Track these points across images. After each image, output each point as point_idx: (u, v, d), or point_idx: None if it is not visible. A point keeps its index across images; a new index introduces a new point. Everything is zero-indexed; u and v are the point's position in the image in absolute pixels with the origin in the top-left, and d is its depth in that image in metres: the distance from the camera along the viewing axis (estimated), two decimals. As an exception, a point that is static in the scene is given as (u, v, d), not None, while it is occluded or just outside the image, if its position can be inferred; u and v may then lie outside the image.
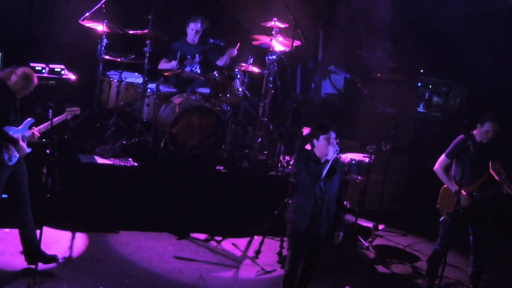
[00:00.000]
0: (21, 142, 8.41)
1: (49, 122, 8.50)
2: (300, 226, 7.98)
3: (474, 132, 9.17)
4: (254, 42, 11.59)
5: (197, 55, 11.77)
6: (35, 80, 8.55)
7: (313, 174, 7.87)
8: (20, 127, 8.46)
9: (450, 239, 9.22)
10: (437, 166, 9.24)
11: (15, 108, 8.50)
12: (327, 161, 7.90)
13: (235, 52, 11.65)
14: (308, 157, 8.00)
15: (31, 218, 8.58)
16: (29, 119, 8.58)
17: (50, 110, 8.02)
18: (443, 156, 9.23)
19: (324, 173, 7.87)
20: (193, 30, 11.73)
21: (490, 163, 9.21)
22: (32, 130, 8.56)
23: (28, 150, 8.57)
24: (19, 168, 8.53)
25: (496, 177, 9.18)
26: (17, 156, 8.46)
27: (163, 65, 11.59)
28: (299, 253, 8.06)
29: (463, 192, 9.06)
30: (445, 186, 9.29)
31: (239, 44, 11.65)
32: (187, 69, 11.70)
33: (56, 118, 8.82)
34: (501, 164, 9.24)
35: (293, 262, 8.07)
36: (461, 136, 9.08)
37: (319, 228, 7.99)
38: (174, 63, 11.43)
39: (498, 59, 12.47)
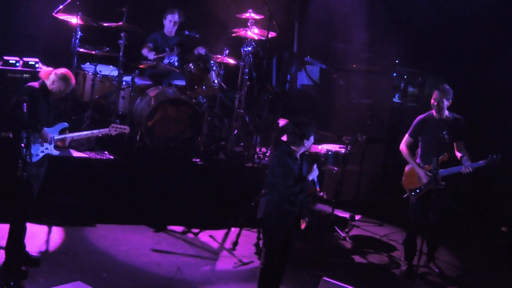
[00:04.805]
0: (46, 135, 8.33)
1: (87, 132, 8.80)
2: (281, 223, 7.97)
3: (432, 111, 9.55)
4: (230, 34, 11.59)
5: (175, 48, 11.73)
6: (73, 83, 8.52)
7: (291, 190, 7.86)
8: (50, 128, 8.43)
9: (421, 216, 9.48)
10: (402, 145, 9.73)
11: (49, 109, 8.45)
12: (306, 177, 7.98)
13: (203, 51, 11.59)
14: (288, 154, 7.92)
15: (25, 220, 8.39)
16: (63, 123, 8.55)
17: (25, 104, 7.92)
18: (406, 135, 9.70)
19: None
20: (171, 21, 11.70)
21: (455, 144, 9.50)
22: (65, 135, 8.53)
23: (56, 152, 8.53)
24: (38, 170, 8.41)
25: (459, 157, 9.50)
26: (39, 155, 8.38)
27: (146, 52, 11.53)
28: (277, 248, 8.05)
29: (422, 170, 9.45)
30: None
31: (206, 50, 11.52)
32: (166, 61, 11.66)
33: (97, 131, 8.88)
34: (464, 144, 9.53)
35: (270, 258, 8.07)
36: (421, 116, 9.62)
37: (296, 222, 8.05)
38: (152, 55, 11.40)
39: (474, 50, 12.52)
